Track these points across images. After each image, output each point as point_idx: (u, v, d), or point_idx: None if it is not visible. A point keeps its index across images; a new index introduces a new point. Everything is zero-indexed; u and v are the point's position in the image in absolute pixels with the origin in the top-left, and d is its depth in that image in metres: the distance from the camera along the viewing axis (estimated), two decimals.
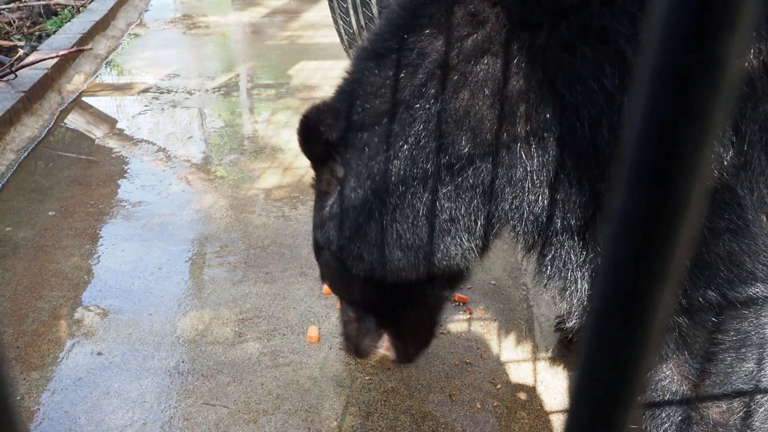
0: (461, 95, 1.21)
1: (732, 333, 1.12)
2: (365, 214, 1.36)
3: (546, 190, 1.19)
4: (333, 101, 1.42)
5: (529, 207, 1.22)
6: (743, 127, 1.09)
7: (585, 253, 1.20)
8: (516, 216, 1.26)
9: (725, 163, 1.07)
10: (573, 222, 1.19)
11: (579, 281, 1.23)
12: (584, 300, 1.24)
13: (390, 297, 1.55)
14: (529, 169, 1.19)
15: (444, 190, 1.27)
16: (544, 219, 1.21)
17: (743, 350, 1.12)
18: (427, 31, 1.24)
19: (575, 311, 1.26)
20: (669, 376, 1.20)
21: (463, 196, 1.27)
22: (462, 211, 1.28)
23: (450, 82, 1.21)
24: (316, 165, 1.49)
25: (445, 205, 1.29)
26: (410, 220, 1.32)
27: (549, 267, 1.27)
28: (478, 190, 1.25)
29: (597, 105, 1.09)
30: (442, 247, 1.34)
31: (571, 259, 1.22)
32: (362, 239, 1.40)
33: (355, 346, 1.76)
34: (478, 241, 1.34)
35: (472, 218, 1.29)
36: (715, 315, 1.11)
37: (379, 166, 1.31)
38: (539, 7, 1.16)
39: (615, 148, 1.10)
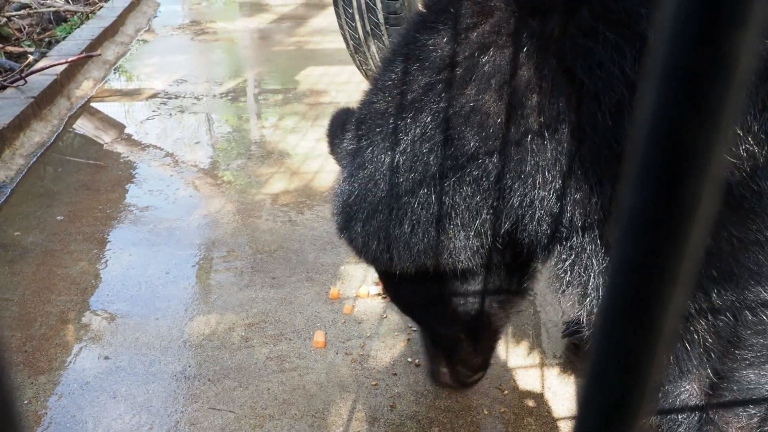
0: (467, 90, 1.16)
1: (757, 348, 1.06)
2: (359, 201, 1.38)
3: (560, 186, 1.11)
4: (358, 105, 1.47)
5: (541, 204, 1.15)
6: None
7: (607, 257, 1.11)
8: (527, 214, 1.18)
9: (759, 164, 0.96)
10: (593, 223, 1.10)
11: (601, 288, 1.14)
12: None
13: (409, 294, 1.55)
14: (541, 163, 1.11)
15: (447, 186, 1.23)
16: (559, 219, 1.13)
17: (766, 366, 1.07)
18: (435, 27, 1.21)
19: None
20: (688, 390, 1.14)
21: (468, 192, 1.23)
22: (467, 208, 1.25)
23: (455, 77, 1.17)
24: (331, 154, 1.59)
25: (449, 201, 1.25)
26: (409, 216, 1.31)
27: (568, 272, 1.17)
28: (482, 185, 1.20)
29: (618, 92, 1.01)
30: (439, 242, 1.31)
31: (592, 263, 1.13)
32: (350, 227, 1.41)
33: (431, 371, 1.78)
34: (484, 239, 1.29)
35: (477, 215, 1.24)
36: (739, 330, 1.06)
37: (376, 161, 1.33)
38: None
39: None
